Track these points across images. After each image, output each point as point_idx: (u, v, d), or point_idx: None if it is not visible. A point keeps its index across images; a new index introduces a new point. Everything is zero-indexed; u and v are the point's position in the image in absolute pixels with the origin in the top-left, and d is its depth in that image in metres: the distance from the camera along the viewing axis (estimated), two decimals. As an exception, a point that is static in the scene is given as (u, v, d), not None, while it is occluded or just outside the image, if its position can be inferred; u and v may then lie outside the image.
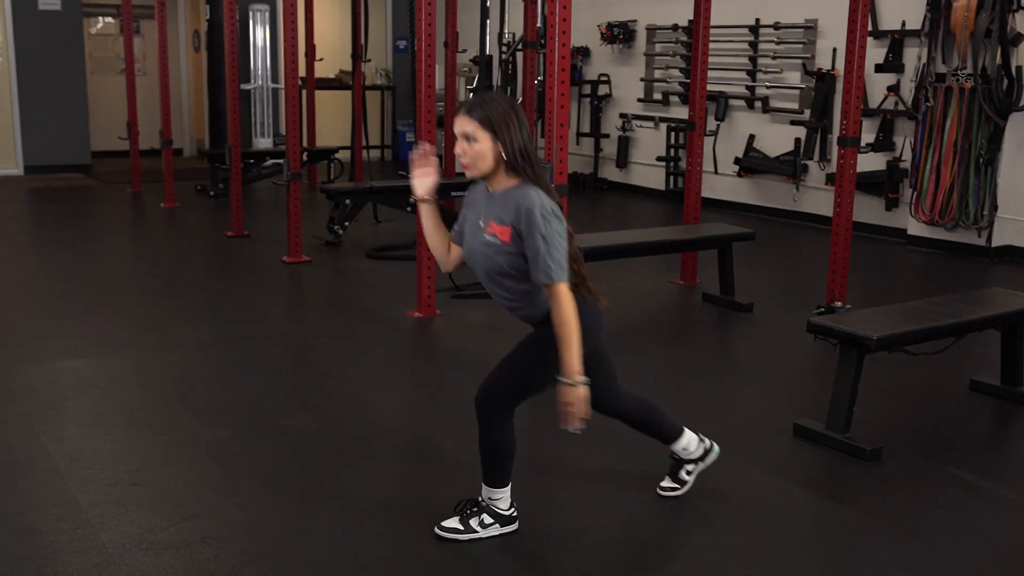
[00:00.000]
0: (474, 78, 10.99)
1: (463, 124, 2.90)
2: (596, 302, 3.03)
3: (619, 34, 10.94)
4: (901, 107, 8.36)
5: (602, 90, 11.33)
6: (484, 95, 3.00)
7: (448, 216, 8.98)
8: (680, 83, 10.39)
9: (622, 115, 11.12)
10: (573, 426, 2.88)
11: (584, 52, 11.49)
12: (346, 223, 7.91)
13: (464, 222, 3.09)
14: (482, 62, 8.39)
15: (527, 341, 3.09)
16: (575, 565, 3.06)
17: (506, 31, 10.71)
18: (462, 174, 10.69)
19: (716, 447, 3.53)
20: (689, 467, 3.47)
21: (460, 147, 2.92)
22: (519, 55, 10.29)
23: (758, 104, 9.65)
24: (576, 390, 2.84)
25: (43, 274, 6.97)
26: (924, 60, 7.98)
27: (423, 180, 3.05)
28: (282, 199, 8.36)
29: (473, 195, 3.08)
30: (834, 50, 8.80)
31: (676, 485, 3.47)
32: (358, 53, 11.00)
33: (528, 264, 2.86)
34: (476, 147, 2.88)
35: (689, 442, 3.43)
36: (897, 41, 8.35)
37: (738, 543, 3.18)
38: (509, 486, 3.15)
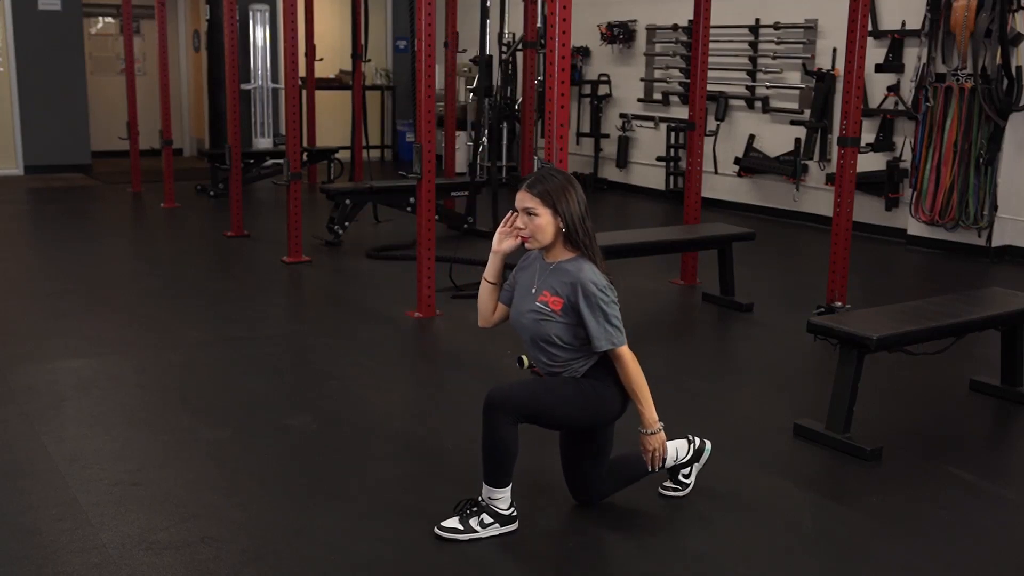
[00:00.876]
0: (474, 78, 10.99)
1: (524, 200, 3.11)
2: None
3: (619, 34, 10.94)
4: (901, 107, 8.36)
5: (602, 90, 11.33)
6: (543, 171, 3.19)
7: (449, 215, 8.88)
8: (680, 83, 10.39)
9: (622, 115, 11.12)
10: (658, 467, 3.26)
11: (584, 52, 11.49)
12: (346, 223, 7.91)
13: (515, 286, 3.28)
14: (482, 62, 8.38)
15: (570, 378, 3.18)
16: (575, 565, 3.06)
17: (506, 31, 10.72)
18: (463, 174, 10.65)
19: (708, 444, 3.54)
20: (685, 470, 3.49)
21: (522, 220, 3.12)
22: (519, 55, 10.29)
23: (758, 104, 9.65)
24: (657, 437, 3.19)
25: (43, 274, 6.97)
26: (924, 60, 7.98)
27: (505, 239, 3.22)
28: (282, 199, 8.36)
29: (527, 261, 3.27)
30: (834, 50, 8.80)
31: (677, 487, 3.49)
32: (358, 53, 10.99)
33: (584, 334, 3.07)
34: (537, 221, 3.09)
35: (677, 450, 3.44)
36: (897, 41, 8.35)
37: (738, 543, 3.18)
38: (510, 486, 3.15)
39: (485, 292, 3.35)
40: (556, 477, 3.62)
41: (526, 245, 3.17)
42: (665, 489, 3.49)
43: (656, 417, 3.16)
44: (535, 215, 3.09)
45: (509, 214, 3.22)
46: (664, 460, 3.29)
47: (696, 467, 3.50)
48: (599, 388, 3.16)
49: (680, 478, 3.48)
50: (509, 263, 3.32)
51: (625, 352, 3.11)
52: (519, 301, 3.22)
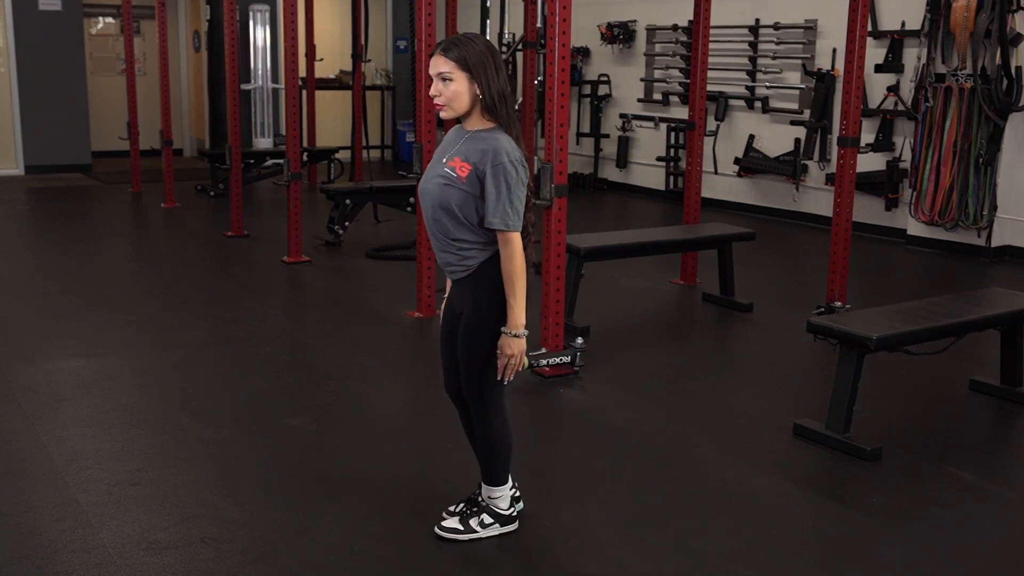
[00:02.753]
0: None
1: (439, 64, 2.87)
2: (529, 256, 2.97)
3: (619, 34, 10.94)
4: (901, 107, 8.36)
5: (602, 90, 11.33)
6: (460, 35, 2.94)
7: None
8: (680, 83, 10.39)
9: (622, 115, 11.11)
10: (509, 378, 2.95)
11: (584, 52, 11.49)
12: (346, 223, 7.91)
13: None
14: (482, 62, 8.38)
15: (464, 326, 2.98)
16: (575, 565, 3.06)
17: (506, 31, 10.72)
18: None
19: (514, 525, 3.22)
20: (487, 520, 3.14)
21: (436, 88, 2.89)
22: (519, 55, 10.29)
23: (758, 104, 9.65)
24: (520, 341, 2.90)
25: (43, 274, 6.97)
26: (924, 60, 7.98)
27: None
28: (282, 199, 8.36)
29: (448, 136, 3.04)
30: (834, 50, 8.80)
31: (461, 528, 3.14)
32: (358, 53, 11.00)
33: (484, 207, 2.84)
34: (452, 87, 2.87)
35: (502, 497, 3.15)
36: (897, 41, 8.35)
37: (738, 543, 3.18)
38: (508, 485, 3.15)
39: None
40: (556, 477, 3.63)
41: (441, 115, 2.94)
42: (443, 529, 3.14)
43: (523, 322, 2.88)
44: (449, 80, 2.85)
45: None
46: (514, 373, 2.95)
47: (494, 530, 3.16)
48: (491, 297, 2.92)
49: (472, 522, 3.14)
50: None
51: (515, 239, 2.84)
52: (430, 169, 2.98)
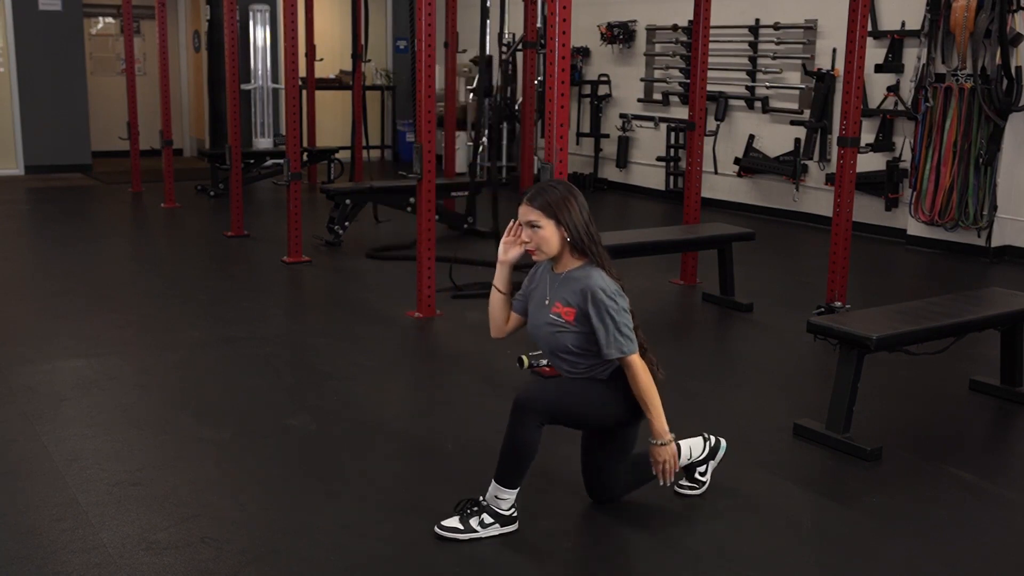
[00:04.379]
0: (474, 78, 11.00)
1: (527, 213, 3.15)
2: (654, 374, 3.20)
3: (619, 34, 10.94)
4: (901, 107, 8.36)
5: (602, 90, 11.33)
6: (543, 183, 3.24)
7: (449, 215, 8.86)
8: (680, 83, 10.39)
9: (622, 115, 11.11)
10: (669, 480, 3.25)
11: (584, 52, 11.49)
12: (346, 223, 7.91)
13: (528, 298, 3.32)
14: (482, 62, 8.39)
15: (596, 380, 3.21)
16: (575, 565, 3.06)
17: (506, 31, 10.72)
18: (463, 174, 10.65)
19: (723, 443, 3.57)
20: (701, 468, 3.51)
21: (527, 234, 3.17)
22: (519, 55, 10.30)
23: (758, 104, 9.65)
24: (668, 448, 3.18)
25: (43, 274, 6.97)
26: (924, 60, 7.98)
27: (510, 248, 3.26)
28: (282, 199, 8.35)
29: (538, 271, 3.30)
30: (834, 50, 8.81)
31: (694, 485, 3.50)
32: (358, 53, 11.00)
33: (596, 341, 3.09)
34: (541, 233, 3.14)
35: (691, 448, 3.46)
36: (897, 41, 8.35)
37: (738, 543, 3.18)
38: (518, 489, 3.15)
39: (496, 302, 3.37)
40: (557, 478, 3.63)
41: (533, 257, 3.20)
42: (681, 488, 3.50)
43: (666, 428, 3.17)
44: (539, 227, 3.13)
45: (512, 223, 3.25)
46: (675, 473, 3.28)
47: (712, 464, 3.53)
48: (623, 389, 3.18)
49: (696, 476, 3.50)
50: (520, 265, 3.32)
51: (635, 361, 3.11)
52: (534, 314, 3.27)
